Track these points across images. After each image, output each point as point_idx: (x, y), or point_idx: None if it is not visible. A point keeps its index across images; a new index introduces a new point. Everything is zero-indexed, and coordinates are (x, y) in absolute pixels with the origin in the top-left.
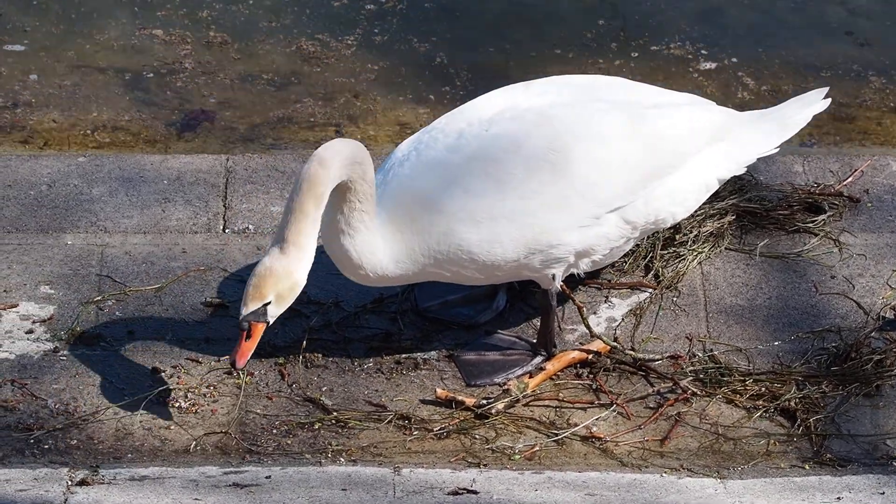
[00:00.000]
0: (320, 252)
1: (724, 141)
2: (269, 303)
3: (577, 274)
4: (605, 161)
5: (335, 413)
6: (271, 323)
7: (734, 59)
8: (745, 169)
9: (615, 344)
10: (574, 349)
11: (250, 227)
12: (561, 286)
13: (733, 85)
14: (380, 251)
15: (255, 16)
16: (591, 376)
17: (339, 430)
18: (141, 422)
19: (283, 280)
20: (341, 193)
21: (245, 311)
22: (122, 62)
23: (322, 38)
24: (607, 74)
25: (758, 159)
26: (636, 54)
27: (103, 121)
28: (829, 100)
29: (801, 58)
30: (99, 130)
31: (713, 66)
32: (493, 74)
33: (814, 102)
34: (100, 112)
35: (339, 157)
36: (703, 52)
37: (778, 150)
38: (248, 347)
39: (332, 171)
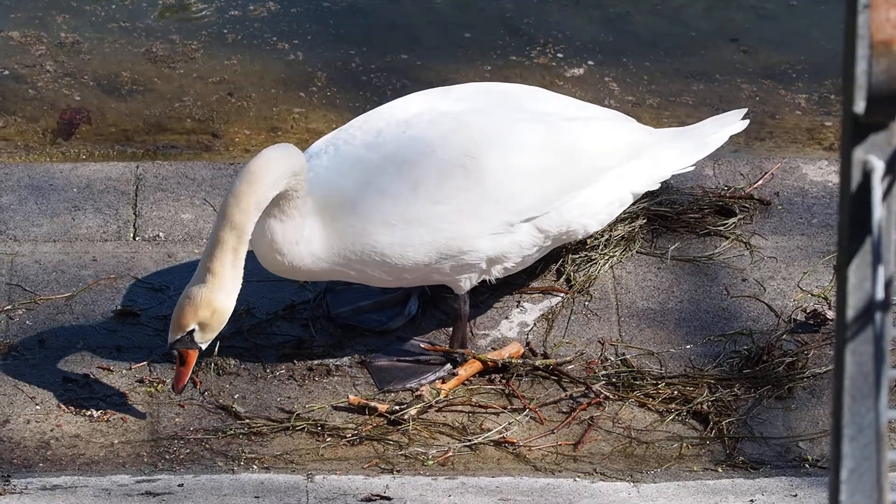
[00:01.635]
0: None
1: (641, 157)
2: (194, 330)
3: (489, 280)
4: (520, 170)
5: (247, 420)
6: (204, 348)
7: (607, 66)
8: (660, 185)
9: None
10: (486, 354)
11: (161, 234)
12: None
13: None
14: (302, 243)
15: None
16: (504, 381)
17: (252, 438)
18: (52, 431)
19: (202, 309)
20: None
21: (170, 339)
22: None
23: (176, 40)
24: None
25: (672, 175)
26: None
27: None
28: (748, 121)
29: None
30: None
31: (580, 72)
32: (403, 79)
33: (732, 122)
34: None
35: (268, 178)
36: (576, 58)
37: (693, 167)
38: (183, 373)
39: (259, 194)
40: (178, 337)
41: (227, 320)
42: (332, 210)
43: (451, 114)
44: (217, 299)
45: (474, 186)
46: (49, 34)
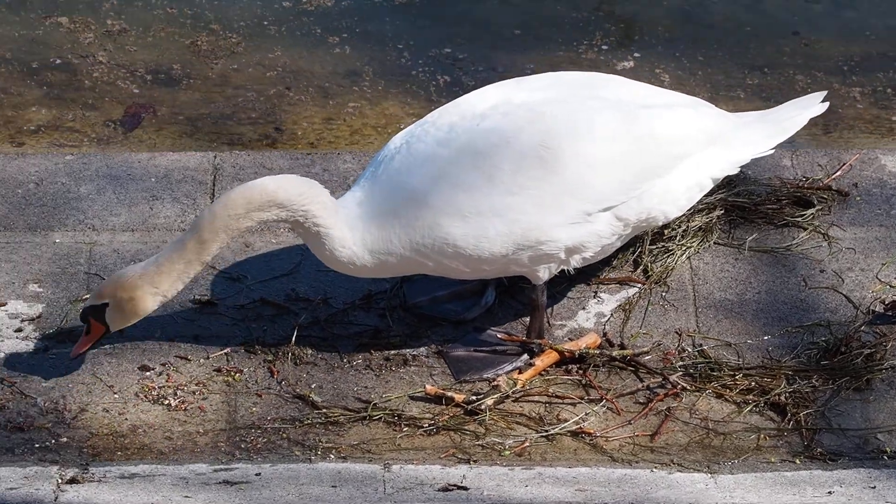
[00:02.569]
0: (308, 250)
1: (720, 143)
2: (107, 305)
3: (568, 270)
4: (595, 160)
5: (325, 410)
6: (110, 332)
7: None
8: (739, 169)
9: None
10: (563, 344)
11: None
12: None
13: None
14: (349, 243)
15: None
16: (581, 372)
17: (329, 427)
18: (130, 420)
19: (123, 289)
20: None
21: (86, 303)
22: (28, 55)
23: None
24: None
25: (751, 159)
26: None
27: (43, 119)
28: (827, 104)
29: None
30: (45, 129)
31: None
32: (484, 71)
33: (811, 105)
34: (34, 109)
35: (242, 209)
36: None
37: (773, 151)
38: (84, 341)
39: (232, 221)
40: (92, 304)
41: (137, 318)
42: (397, 207)
43: (526, 105)
44: (142, 291)
45: (550, 177)
46: (97, 21)
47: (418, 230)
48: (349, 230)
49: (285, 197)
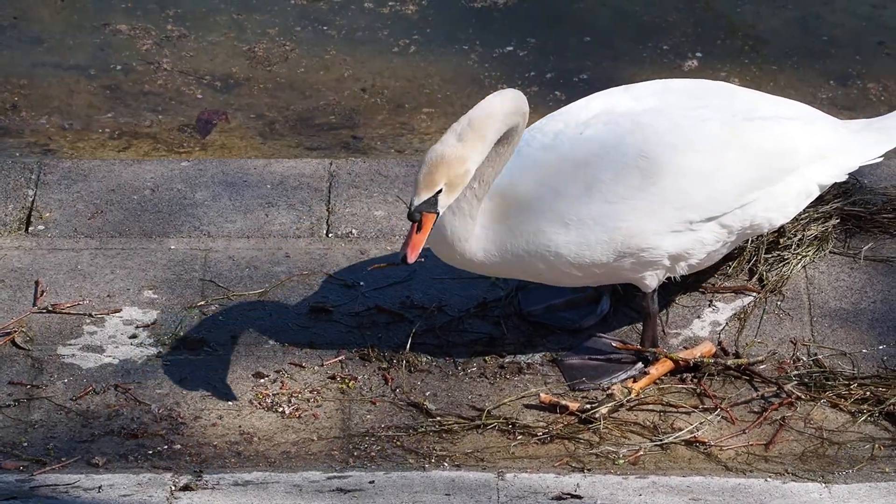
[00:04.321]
0: (422, 257)
1: (828, 157)
2: (440, 191)
3: (675, 278)
4: (695, 171)
5: (439, 418)
6: (440, 214)
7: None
8: (847, 176)
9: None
10: (678, 353)
11: (353, 231)
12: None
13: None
14: (472, 238)
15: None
16: (696, 381)
17: (443, 435)
18: (244, 427)
19: (455, 166)
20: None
21: (417, 201)
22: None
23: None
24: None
25: (859, 166)
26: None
27: (120, 126)
28: None
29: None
30: (122, 136)
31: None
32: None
33: None
34: (112, 116)
35: (504, 105)
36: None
37: (881, 158)
38: (419, 240)
39: (500, 115)
40: (426, 198)
41: (464, 186)
42: (507, 209)
43: (628, 115)
44: (470, 158)
45: (650, 186)
46: (156, 27)
47: (523, 235)
48: (479, 226)
49: (524, 104)
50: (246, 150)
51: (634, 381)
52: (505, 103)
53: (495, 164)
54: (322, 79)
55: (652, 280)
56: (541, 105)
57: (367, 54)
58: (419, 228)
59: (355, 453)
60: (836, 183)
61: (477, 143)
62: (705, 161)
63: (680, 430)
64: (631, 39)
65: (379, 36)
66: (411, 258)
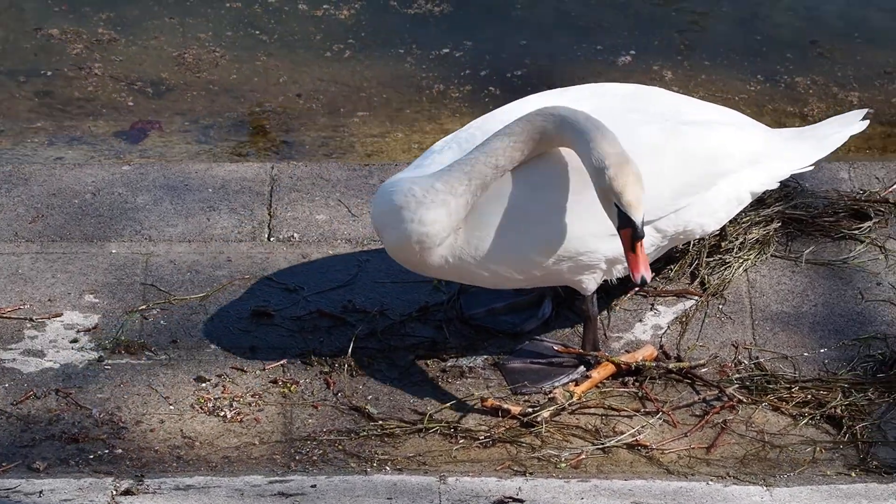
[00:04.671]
0: (366, 261)
1: (761, 162)
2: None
3: (611, 281)
4: None
5: (381, 422)
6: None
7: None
8: (778, 184)
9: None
10: (620, 357)
11: (295, 235)
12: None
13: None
14: (444, 244)
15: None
16: (637, 384)
17: (385, 439)
18: (186, 431)
19: (629, 167)
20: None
21: (639, 219)
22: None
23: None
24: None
25: (790, 174)
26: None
27: (55, 132)
28: (868, 122)
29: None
30: (55, 143)
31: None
32: (527, 81)
33: (852, 123)
34: (45, 122)
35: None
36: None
37: (812, 167)
38: (640, 258)
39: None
40: (624, 209)
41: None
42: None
43: None
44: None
45: (589, 190)
46: (88, 31)
47: (470, 241)
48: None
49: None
50: (181, 157)
51: (576, 385)
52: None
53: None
54: (256, 84)
55: (590, 283)
56: (477, 104)
57: (302, 59)
58: (632, 248)
59: (297, 457)
60: (774, 188)
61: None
62: (643, 165)
63: (622, 433)
64: (566, 38)
65: (313, 41)
66: (649, 277)
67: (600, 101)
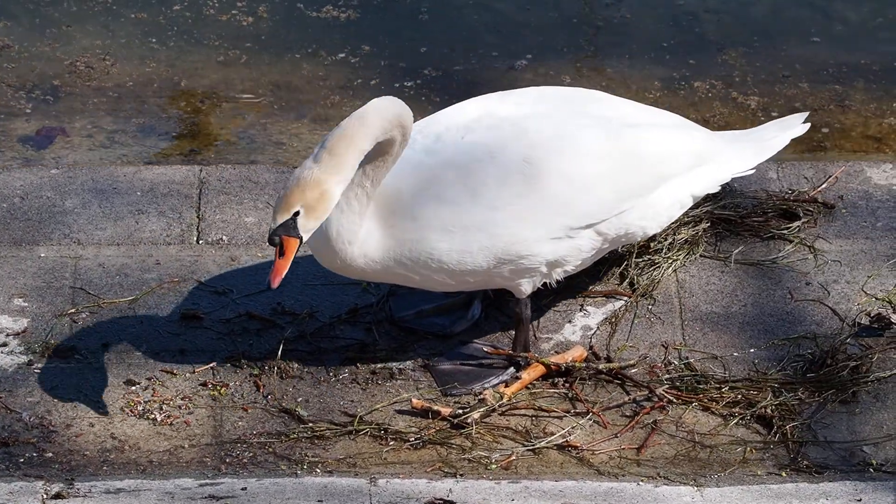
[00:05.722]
0: (295, 263)
1: (704, 164)
2: (298, 214)
3: (550, 284)
4: (579, 177)
5: (311, 424)
6: (305, 239)
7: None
8: (720, 187)
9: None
10: (549, 358)
11: (224, 237)
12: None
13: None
14: (356, 244)
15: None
16: (567, 385)
17: (315, 442)
18: (116, 434)
19: (310, 189)
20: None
21: (274, 224)
22: None
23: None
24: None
25: (732, 178)
26: (610, 66)
27: None
28: (808, 125)
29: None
30: None
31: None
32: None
33: (792, 126)
34: None
35: (380, 116)
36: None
37: (753, 171)
38: (282, 265)
39: (372, 129)
40: (283, 221)
41: (330, 210)
42: (390, 215)
43: (511, 119)
44: (327, 181)
45: (533, 193)
46: None
47: (406, 244)
48: (364, 230)
49: (407, 114)
50: (93, 163)
51: (506, 386)
52: (381, 112)
53: (382, 167)
54: (156, 89)
55: (527, 286)
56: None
57: (204, 63)
58: (281, 253)
59: (227, 460)
60: (716, 191)
61: (337, 163)
62: (588, 167)
63: (552, 434)
64: (467, 45)
65: (214, 45)
66: (274, 284)
67: (544, 104)
